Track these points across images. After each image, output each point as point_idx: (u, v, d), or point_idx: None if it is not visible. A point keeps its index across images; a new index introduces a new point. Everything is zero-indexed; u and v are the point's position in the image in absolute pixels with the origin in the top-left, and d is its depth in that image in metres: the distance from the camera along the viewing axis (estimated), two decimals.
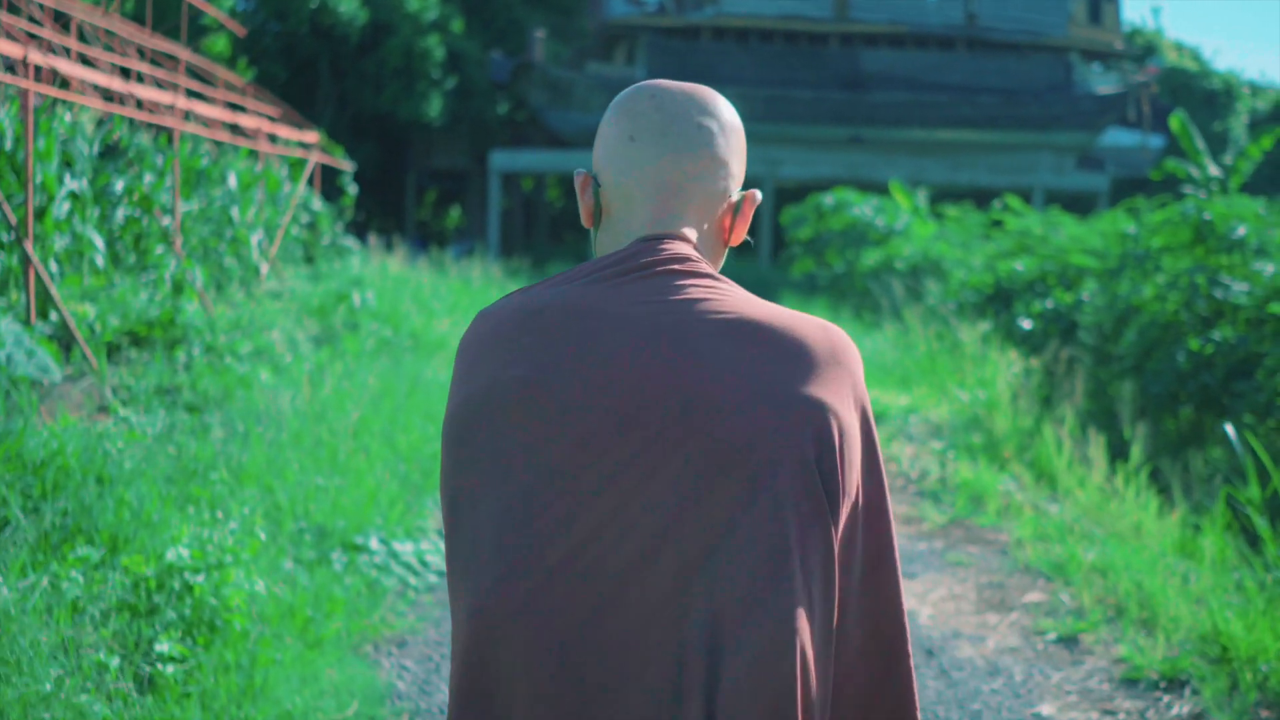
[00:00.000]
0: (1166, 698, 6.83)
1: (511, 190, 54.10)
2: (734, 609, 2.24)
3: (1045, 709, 6.75)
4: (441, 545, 8.92)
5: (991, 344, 16.10)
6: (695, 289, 2.38)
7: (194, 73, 22.46)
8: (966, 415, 13.99)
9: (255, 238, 19.07)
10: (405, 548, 8.54)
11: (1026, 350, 15.48)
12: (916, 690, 2.53)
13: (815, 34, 49.63)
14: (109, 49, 17.20)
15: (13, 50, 10.62)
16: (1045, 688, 7.00)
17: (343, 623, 7.06)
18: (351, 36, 45.04)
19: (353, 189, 27.77)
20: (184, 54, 19.54)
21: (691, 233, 2.49)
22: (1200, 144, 19.96)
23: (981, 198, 45.61)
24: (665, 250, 2.42)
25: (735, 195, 2.55)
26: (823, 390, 2.33)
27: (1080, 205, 47.35)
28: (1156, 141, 51.04)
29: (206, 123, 18.96)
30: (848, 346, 2.42)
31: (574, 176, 2.56)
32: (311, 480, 8.71)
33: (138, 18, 32.13)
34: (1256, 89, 66.54)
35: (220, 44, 45.33)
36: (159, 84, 17.77)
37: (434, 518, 9.46)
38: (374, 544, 8.36)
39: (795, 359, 2.33)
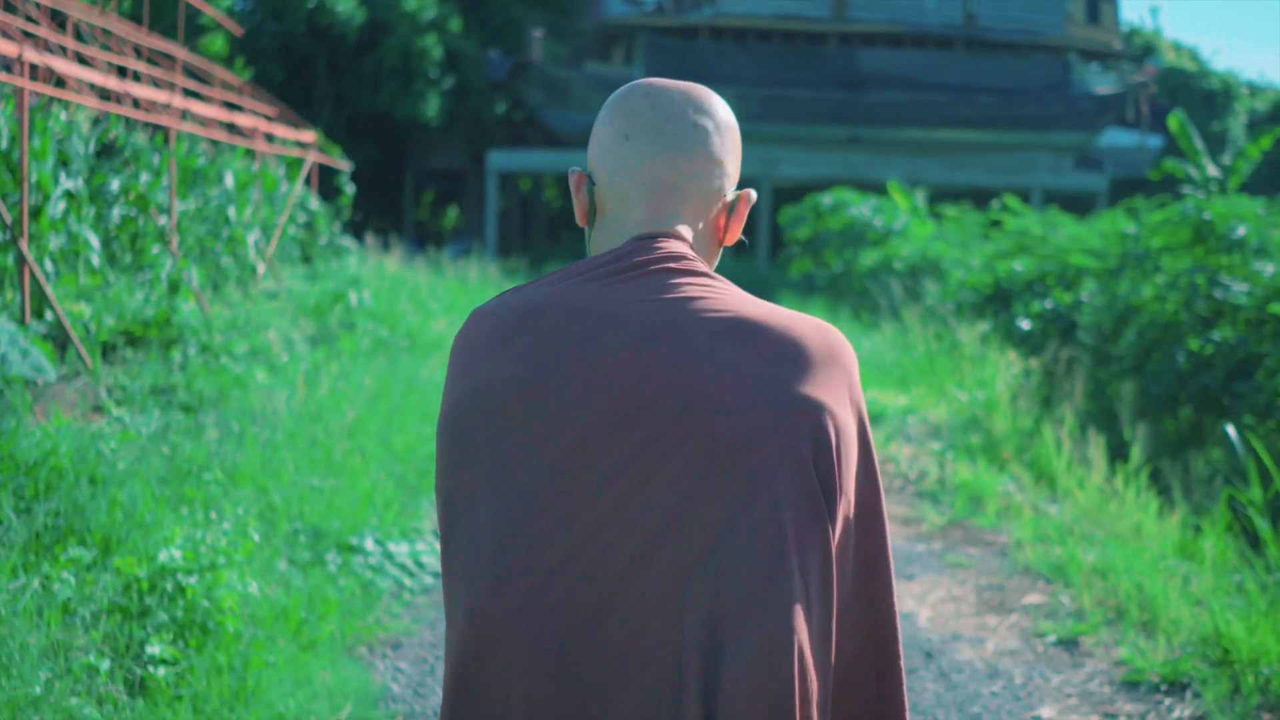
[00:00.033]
0: (1168, 701, 6.78)
1: (509, 190, 54.04)
2: (734, 608, 2.23)
3: (1046, 712, 6.70)
4: (437, 546, 8.87)
5: (990, 344, 16.06)
6: (691, 287, 2.37)
7: (191, 72, 22.41)
8: (965, 416, 13.94)
9: (252, 237, 19.02)
10: (400, 549, 8.49)
11: (1026, 350, 15.44)
12: (906, 695, 2.52)
13: (813, 34, 49.57)
14: (106, 48, 17.15)
15: (8, 49, 10.57)
16: (1045, 691, 6.95)
17: (337, 624, 7.01)
18: (349, 36, 44.95)
19: (350, 189, 27.71)
20: (181, 53, 19.50)
21: (687, 231, 2.49)
22: (1199, 144, 19.92)
23: (980, 198, 45.52)
24: (661, 249, 2.41)
25: (730, 195, 2.55)
26: (820, 390, 2.32)
27: (1078, 205, 47.28)
28: (1155, 142, 50.98)
29: (203, 122, 18.89)
30: (844, 347, 2.42)
31: (569, 175, 2.56)
32: (306, 481, 8.66)
33: (135, 17, 32.00)
34: (1255, 89, 66.51)
35: (218, 43, 45.26)
36: (156, 83, 17.71)
37: (429, 518, 9.42)
38: (369, 545, 8.31)
39: (792, 359, 2.33)
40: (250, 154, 21.85)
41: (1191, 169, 20.11)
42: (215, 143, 19.57)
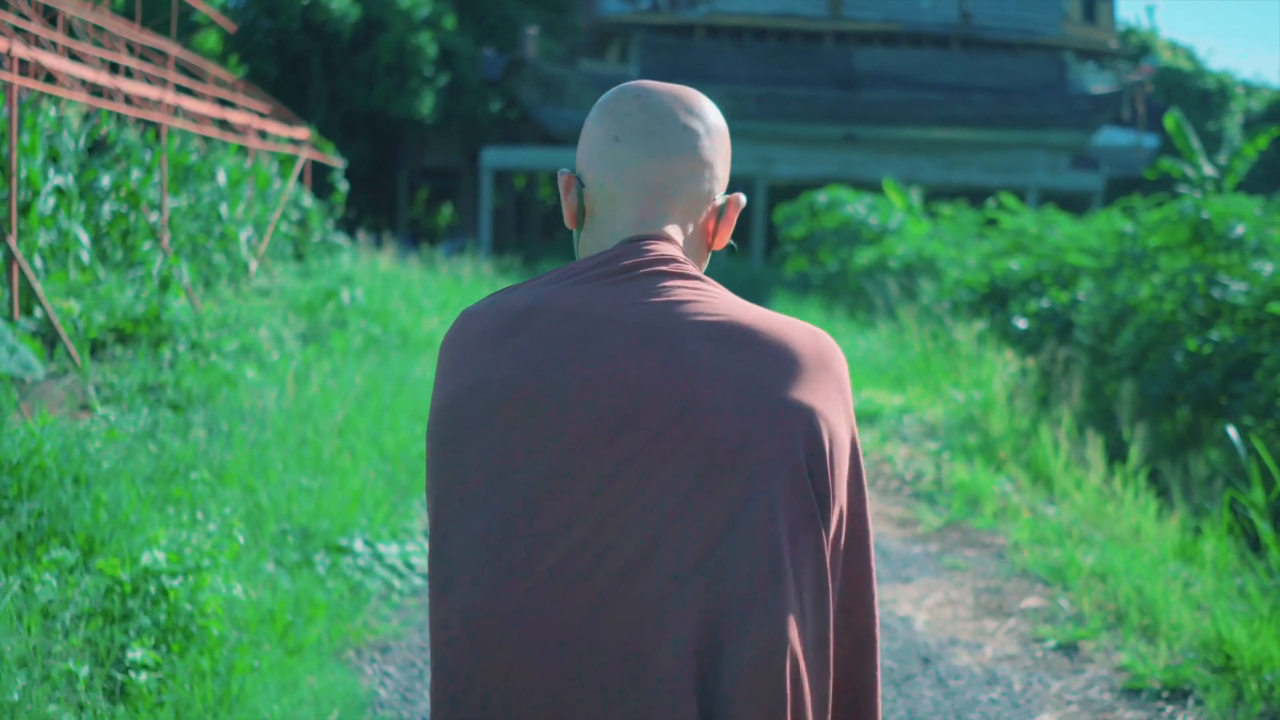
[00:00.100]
0: (1170, 709, 6.68)
1: (503, 188, 54.00)
2: (733, 608, 2.23)
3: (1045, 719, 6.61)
4: (427, 546, 8.76)
5: (987, 344, 15.98)
6: (683, 291, 2.37)
7: (184, 68, 22.35)
8: (962, 416, 13.86)
9: (244, 234, 18.95)
10: (390, 550, 8.39)
11: (1022, 350, 15.36)
12: (880, 709, 2.53)
13: (809, 32, 49.48)
14: (98, 44, 17.08)
15: None
16: (1045, 697, 6.85)
17: (324, 628, 6.90)
18: (343, 33, 44.88)
19: (343, 186, 27.61)
20: (174, 49, 19.42)
21: (677, 234, 2.49)
22: (1195, 143, 19.86)
23: (975, 197, 45.51)
24: (651, 251, 2.41)
25: (720, 198, 2.55)
26: (812, 395, 2.33)
27: (1074, 205, 47.24)
28: (1151, 141, 50.92)
29: (195, 118, 18.79)
30: (836, 353, 2.43)
31: (558, 176, 2.56)
32: (295, 480, 8.56)
33: (128, 13, 32.06)
34: (1251, 89, 66.46)
35: (211, 40, 45.25)
36: (148, 79, 17.63)
37: (420, 519, 9.32)
38: (358, 546, 8.21)
39: (785, 364, 2.33)
40: (243, 151, 21.78)
41: (1188, 168, 20.05)
42: (208, 139, 19.49)
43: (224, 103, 22.85)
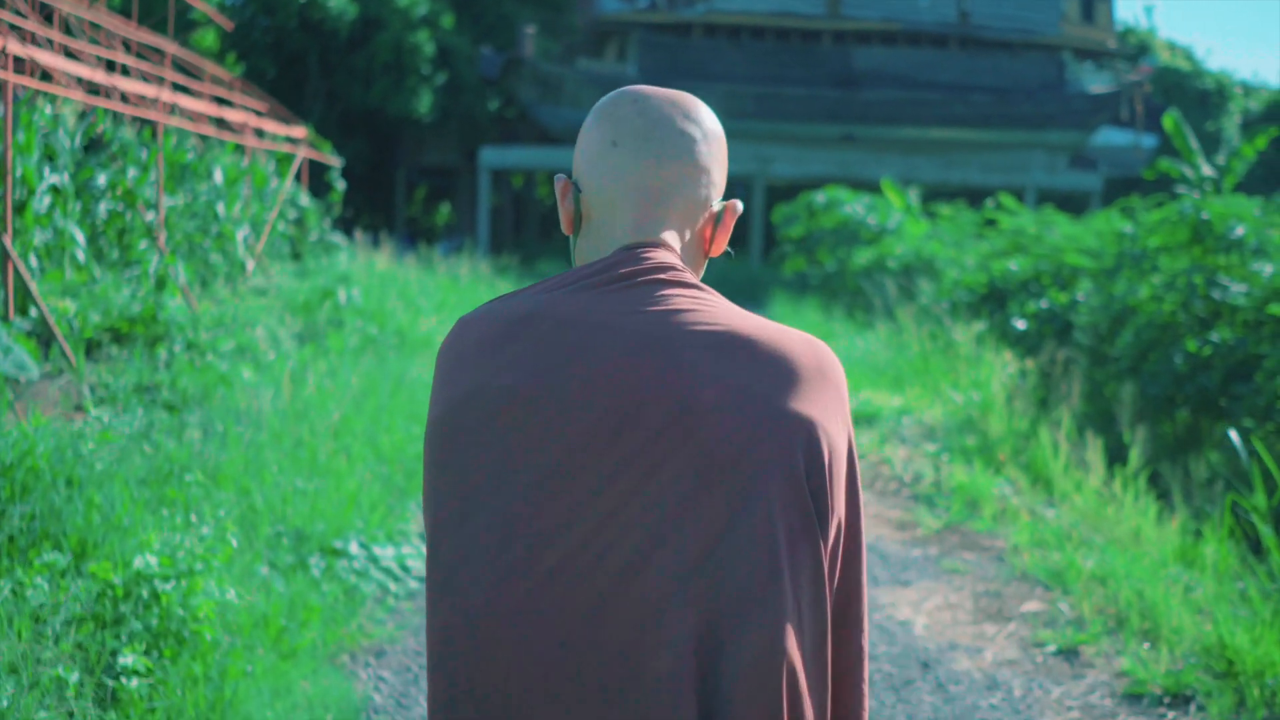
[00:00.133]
0: (1171, 714, 6.64)
1: (501, 187, 53.97)
2: (733, 608, 2.23)
3: None
4: (423, 549, 8.72)
5: (986, 344, 15.93)
6: (681, 299, 2.36)
7: (181, 66, 22.31)
8: (960, 417, 13.81)
9: (241, 233, 18.90)
10: (386, 552, 8.34)
11: (1021, 351, 15.32)
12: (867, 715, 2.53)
13: (807, 31, 49.47)
14: (94, 41, 17.03)
15: None
16: (1045, 703, 6.80)
17: (318, 632, 6.84)
18: (341, 31, 44.85)
19: (341, 185, 27.56)
20: (171, 47, 19.40)
21: (674, 240, 2.48)
22: (1194, 143, 19.83)
23: (974, 197, 45.52)
24: (649, 259, 2.40)
25: (717, 205, 2.54)
26: (811, 407, 2.32)
27: (1073, 205, 47.27)
28: (1149, 141, 50.92)
29: (192, 117, 18.74)
30: (834, 363, 2.42)
31: (554, 182, 2.55)
32: (290, 482, 8.51)
33: (125, 11, 31.99)
34: (1249, 89, 66.48)
35: (209, 38, 45.20)
36: (145, 77, 17.58)
37: (416, 521, 9.27)
38: (354, 548, 8.15)
39: (784, 374, 2.33)
40: (240, 149, 21.73)
41: (1186, 168, 20.01)
42: (204, 138, 19.42)
43: (221, 101, 22.81)
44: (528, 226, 56.67)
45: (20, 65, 12.05)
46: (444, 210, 61.74)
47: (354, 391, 11.35)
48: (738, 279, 34.24)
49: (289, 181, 23.21)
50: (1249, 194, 18.42)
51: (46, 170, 12.48)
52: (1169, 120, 19.71)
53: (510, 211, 55.47)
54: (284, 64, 46.19)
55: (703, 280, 2.53)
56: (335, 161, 27.92)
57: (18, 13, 13.45)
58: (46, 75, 13.58)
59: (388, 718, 6.33)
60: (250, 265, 19.00)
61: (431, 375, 13.32)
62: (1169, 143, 47.91)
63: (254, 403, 10.10)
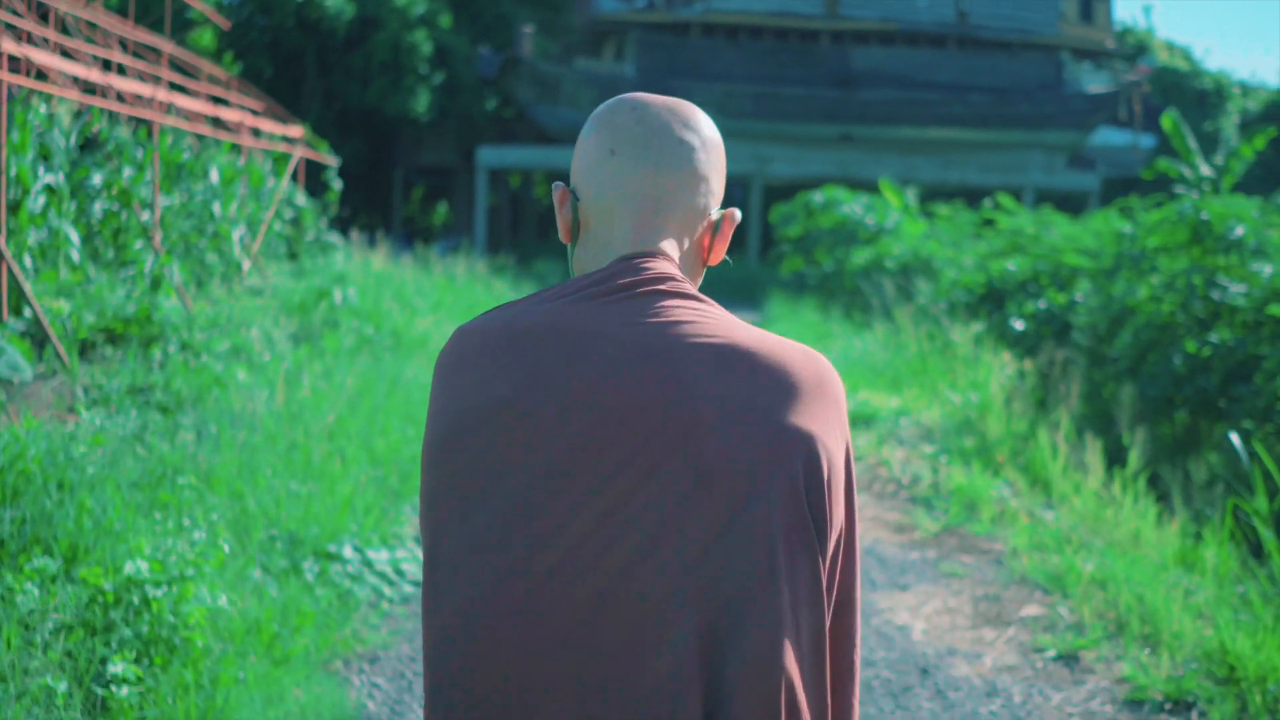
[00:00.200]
0: None
1: (499, 187, 53.97)
2: (732, 606, 2.23)
3: None
4: (418, 553, 8.68)
5: (984, 345, 15.88)
6: (681, 311, 2.35)
7: (177, 66, 22.26)
8: (959, 418, 13.76)
9: (237, 233, 18.85)
10: (380, 556, 8.27)
11: (1020, 352, 15.28)
12: None
13: (806, 31, 49.47)
14: (91, 41, 16.99)
15: None
16: (1046, 710, 6.73)
17: (311, 638, 6.77)
18: (338, 31, 44.84)
19: (338, 184, 27.53)
20: (167, 47, 19.35)
21: (673, 250, 2.47)
22: (1192, 143, 19.80)
23: (972, 196, 45.51)
24: (649, 270, 2.39)
25: (715, 213, 2.53)
26: (811, 421, 2.32)
27: (1071, 205, 47.28)
28: (1147, 141, 50.93)
29: (188, 116, 18.70)
30: (833, 377, 2.42)
31: (552, 190, 2.54)
32: (285, 485, 8.44)
33: (122, 10, 31.96)
34: (1247, 89, 66.56)
35: (206, 38, 45.14)
36: (141, 76, 17.53)
37: (411, 524, 9.21)
38: (348, 552, 8.09)
39: (784, 388, 2.32)
40: (236, 149, 21.68)
41: (1185, 168, 20.00)
42: (201, 137, 19.37)
43: (217, 100, 22.78)
44: (525, 226, 56.66)
45: (15, 64, 12.00)
46: (441, 210, 61.75)
47: (349, 393, 11.29)
48: (735, 279, 34.22)
49: (285, 181, 23.16)
50: (1247, 194, 18.40)
51: (41, 170, 12.43)
52: (1167, 120, 19.69)
53: (507, 211, 55.47)
54: (281, 63, 46.19)
55: (700, 280, 2.57)
56: (332, 161, 27.89)
57: (14, 12, 13.39)
58: (42, 75, 13.54)
59: None
60: (246, 265, 18.94)
61: (426, 377, 13.30)
62: (1167, 143, 47.94)
63: (248, 404, 10.04)
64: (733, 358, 2.31)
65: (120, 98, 15.36)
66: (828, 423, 2.34)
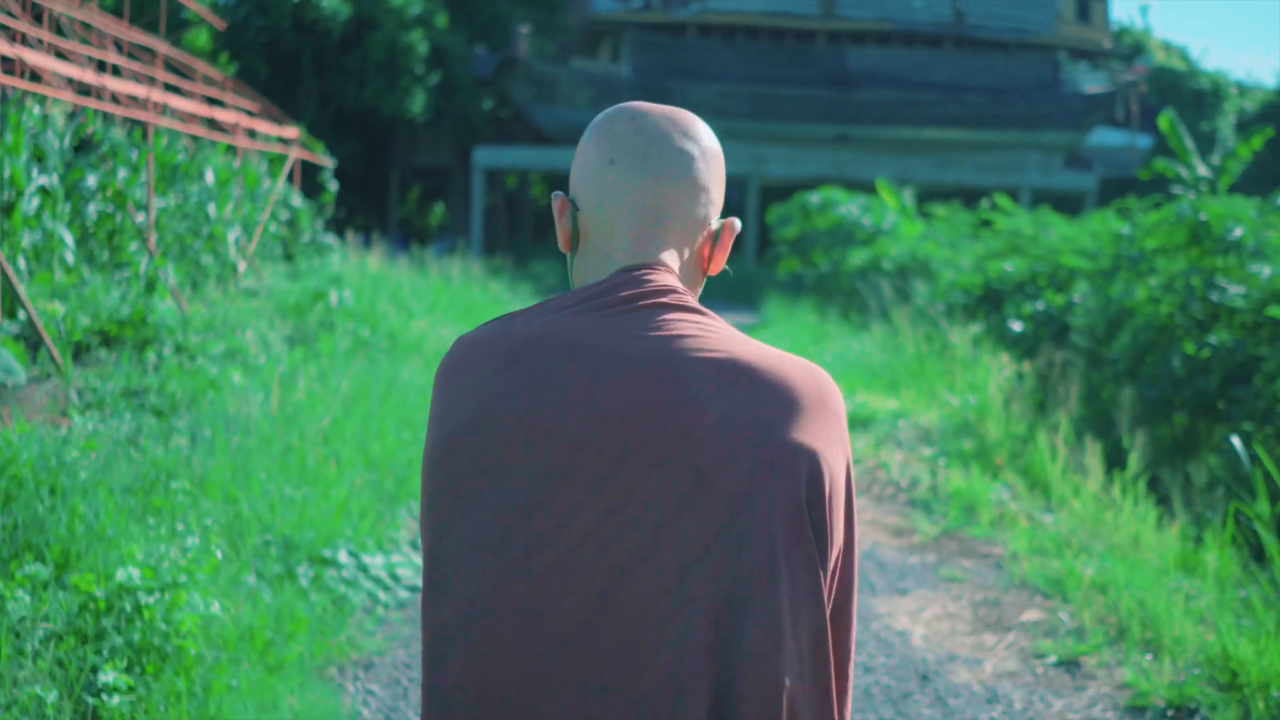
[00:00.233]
0: None
1: (495, 187, 53.93)
2: (733, 605, 2.23)
3: None
4: (414, 558, 8.65)
5: (983, 347, 15.82)
6: (683, 325, 2.35)
7: (172, 66, 22.22)
8: (957, 420, 13.71)
9: (233, 235, 18.80)
10: (375, 560, 8.22)
11: (1018, 353, 15.22)
12: None
13: (802, 31, 49.44)
14: (85, 42, 16.94)
15: None
16: (1047, 717, 6.68)
17: (306, 644, 6.71)
18: (334, 31, 44.81)
19: (333, 185, 27.47)
20: (163, 47, 19.32)
21: (673, 261, 2.48)
22: (1189, 144, 19.79)
23: (968, 197, 45.44)
24: (650, 282, 2.40)
25: (715, 223, 2.54)
26: (813, 436, 2.32)
27: (1068, 205, 47.25)
28: (1144, 141, 50.94)
29: (183, 117, 18.65)
30: (834, 392, 2.43)
31: (552, 200, 2.55)
32: (279, 489, 8.38)
33: (117, 11, 31.88)
34: (1244, 89, 66.60)
35: (202, 38, 45.12)
36: (136, 77, 17.48)
37: (406, 528, 9.15)
38: (343, 557, 8.03)
39: (786, 403, 2.32)
40: (232, 150, 21.63)
41: (1182, 169, 19.99)
42: (196, 138, 19.32)
43: (213, 101, 22.73)
44: (521, 227, 56.61)
45: (9, 65, 11.95)
46: (437, 211, 61.75)
47: (344, 396, 11.23)
48: (731, 280, 34.15)
49: (281, 182, 23.11)
50: (1243, 195, 18.38)
51: (35, 171, 12.38)
52: (1165, 120, 19.67)
53: (504, 212, 55.45)
54: (277, 64, 46.15)
55: (700, 289, 2.58)
56: (328, 162, 27.84)
57: (7, 13, 13.34)
58: (36, 76, 13.48)
59: None
60: (242, 267, 18.89)
61: (422, 380, 13.27)
62: (1164, 143, 47.97)
63: (243, 407, 9.98)
64: (735, 372, 2.30)
65: (115, 99, 15.31)
66: (829, 437, 2.34)
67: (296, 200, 24.61)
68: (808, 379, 2.37)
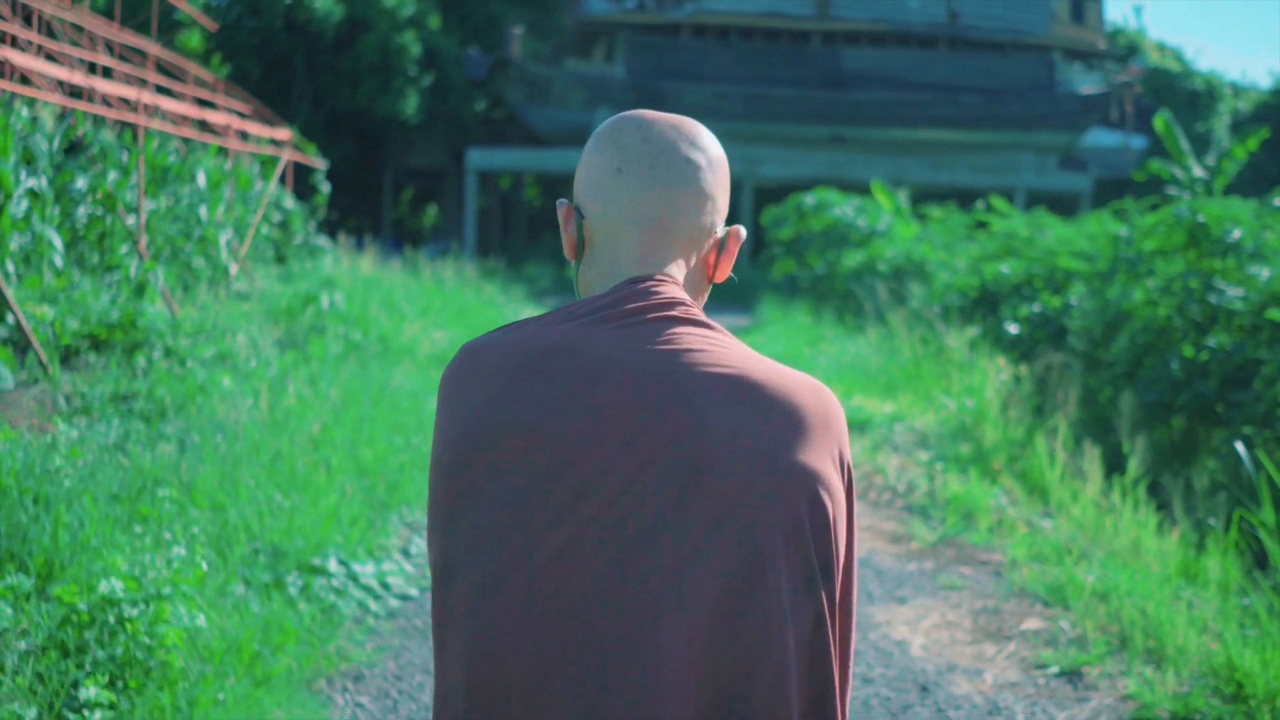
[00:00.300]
0: None
1: (489, 189, 53.88)
2: (729, 603, 2.23)
3: None
4: (406, 566, 8.56)
5: (979, 349, 15.73)
6: (691, 338, 2.36)
7: (163, 68, 22.11)
8: (954, 424, 13.61)
9: (224, 237, 18.69)
10: (366, 569, 8.11)
11: (1015, 356, 15.13)
12: None
13: (796, 32, 49.41)
14: (76, 44, 16.84)
15: None
16: None
17: (294, 656, 6.59)
18: (327, 33, 44.71)
19: (326, 187, 27.39)
20: (154, 49, 19.20)
21: (679, 271, 2.48)
22: (1185, 145, 19.75)
23: (963, 198, 45.43)
24: (657, 295, 2.40)
25: (720, 231, 2.55)
26: (816, 458, 2.33)
27: (1063, 206, 47.21)
28: (1139, 142, 50.94)
29: (174, 119, 18.56)
30: (838, 411, 2.43)
31: (557, 207, 2.55)
32: (268, 496, 8.26)
33: (108, 13, 31.80)
34: (1238, 90, 66.67)
35: (194, 40, 45.05)
36: (127, 79, 17.38)
37: (398, 535, 9.05)
38: (332, 565, 7.92)
39: (791, 423, 2.33)
40: (224, 152, 21.53)
41: (1177, 170, 19.96)
42: (187, 140, 19.21)
43: (204, 103, 22.64)
44: (515, 228, 56.57)
45: None
46: (431, 212, 61.66)
47: (335, 401, 11.12)
48: (727, 283, 34.01)
49: (273, 184, 23.02)
50: (1238, 196, 18.31)
51: (24, 174, 12.27)
52: (1160, 121, 19.62)
53: (498, 213, 55.40)
54: (270, 65, 46.06)
55: (706, 298, 2.61)
56: (320, 163, 27.76)
57: None
58: (25, 78, 13.39)
59: None
60: (234, 269, 18.78)
61: (414, 385, 13.18)
62: (1159, 144, 47.94)
63: (232, 413, 9.87)
64: (743, 389, 2.31)
65: (105, 101, 15.22)
66: (831, 458, 2.35)
67: (289, 202, 24.53)
68: (812, 398, 2.37)
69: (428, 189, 59.92)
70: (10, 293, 10.43)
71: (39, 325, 10.82)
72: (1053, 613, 8.25)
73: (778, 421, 2.31)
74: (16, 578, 5.71)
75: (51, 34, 16.33)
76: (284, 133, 25.74)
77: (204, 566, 6.67)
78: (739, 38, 49.37)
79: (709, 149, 2.50)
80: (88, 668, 5.39)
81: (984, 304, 18.01)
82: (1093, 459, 10.58)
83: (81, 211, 14.07)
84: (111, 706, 5.28)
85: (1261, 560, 8.65)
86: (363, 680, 6.85)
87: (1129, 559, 8.81)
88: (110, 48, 18.65)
